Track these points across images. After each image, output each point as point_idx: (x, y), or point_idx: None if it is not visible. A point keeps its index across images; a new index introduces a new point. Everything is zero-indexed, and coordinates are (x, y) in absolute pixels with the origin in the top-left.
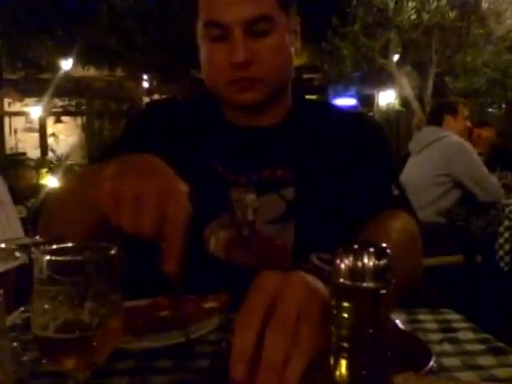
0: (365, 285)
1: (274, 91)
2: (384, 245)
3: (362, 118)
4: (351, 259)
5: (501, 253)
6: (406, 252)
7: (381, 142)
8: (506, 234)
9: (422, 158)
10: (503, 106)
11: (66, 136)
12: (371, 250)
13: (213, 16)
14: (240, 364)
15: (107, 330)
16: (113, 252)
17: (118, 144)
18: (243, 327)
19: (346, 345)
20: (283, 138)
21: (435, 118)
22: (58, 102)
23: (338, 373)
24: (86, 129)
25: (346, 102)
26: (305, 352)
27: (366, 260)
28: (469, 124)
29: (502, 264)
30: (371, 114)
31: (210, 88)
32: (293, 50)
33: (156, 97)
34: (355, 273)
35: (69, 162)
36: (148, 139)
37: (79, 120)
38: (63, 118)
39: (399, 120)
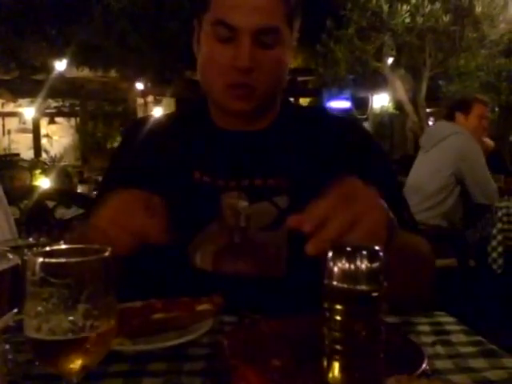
0: (358, 287)
1: (266, 100)
2: (376, 248)
3: (353, 126)
4: (344, 262)
5: (494, 255)
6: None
7: (376, 151)
8: (499, 237)
9: (430, 160)
10: (496, 109)
11: (59, 137)
12: (364, 252)
13: (225, 17)
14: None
15: (101, 333)
16: (106, 254)
17: (115, 167)
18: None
19: (339, 347)
20: (273, 143)
21: (448, 115)
22: (52, 103)
23: (331, 375)
24: (80, 130)
25: (340, 104)
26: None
27: (358, 263)
28: (485, 123)
29: (494, 266)
30: (365, 116)
31: (205, 87)
32: (289, 64)
33: (150, 98)
34: (348, 275)
35: (62, 163)
36: (137, 159)
37: (73, 121)
38: (57, 119)
39: (393, 123)
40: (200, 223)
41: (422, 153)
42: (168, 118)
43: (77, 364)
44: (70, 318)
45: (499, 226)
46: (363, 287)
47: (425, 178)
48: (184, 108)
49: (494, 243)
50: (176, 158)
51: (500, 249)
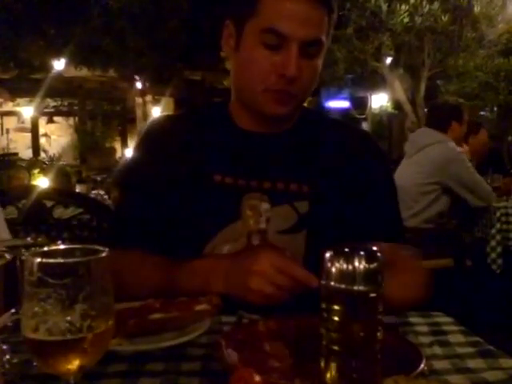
0: (355, 288)
1: (299, 106)
2: (375, 248)
3: (370, 143)
4: (342, 262)
5: (493, 255)
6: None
7: (387, 169)
8: (498, 237)
9: (413, 164)
10: (495, 109)
11: (58, 136)
12: (362, 253)
13: (276, 25)
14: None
15: (98, 333)
16: (103, 254)
17: (137, 169)
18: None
19: (336, 348)
20: (295, 145)
21: (440, 123)
22: (51, 103)
23: (328, 375)
24: (79, 129)
25: (338, 104)
26: None
27: (356, 263)
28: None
29: (494, 267)
30: (364, 116)
31: (240, 89)
32: None
33: (149, 98)
34: (346, 276)
35: (61, 163)
36: (157, 163)
37: (71, 120)
38: (55, 119)
39: (392, 123)
40: (220, 224)
41: (405, 159)
42: (186, 120)
43: (74, 364)
44: (68, 318)
45: (498, 226)
46: (361, 288)
47: (406, 183)
48: (203, 109)
49: (493, 243)
50: (196, 160)
51: (499, 249)
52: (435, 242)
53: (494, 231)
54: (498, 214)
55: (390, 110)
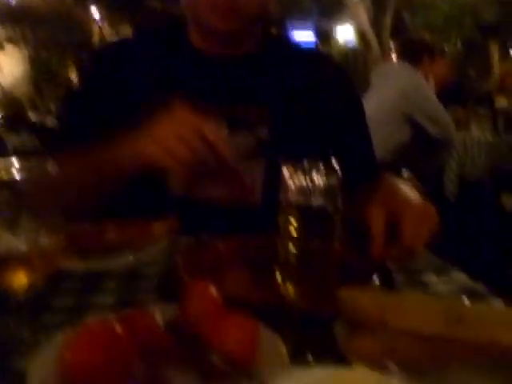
0: (312, 202)
1: (249, 23)
2: (335, 165)
3: (342, 72)
4: (300, 177)
5: (450, 186)
6: None
7: (359, 100)
8: (455, 168)
9: (377, 94)
10: (459, 42)
11: (10, 65)
12: (321, 168)
13: None
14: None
15: (46, 250)
16: (49, 169)
17: (86, 84)
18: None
19: (293, 260)
20: (256, 70)
21: (411, 57)
22: (1, 32)
23: (285, 287)
24: (32, 58)
25: (302, 36)
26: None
27: (315, 178)
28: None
29: (450, 196)
30: (329, 49)
31: (188, 7)
32: None
33: (107, 26)
34: (304, 191)
35: (14, 92)
36: (109, 78)
37: (24, 49)
38: (7, 48)
39: (357, 56)
40: None
41: (369, 90)
42: (142, 41)
43: (23, 281)
44: (15, 235)
45: (456, 157)
46: (319, 202)
47: (369, 114)
48: (157, 30)
49: (450, 175)
50: (151, 81)
51: (456, 180)
52: (394, 173)
53: (451, 162)
54: (456, 145)
55: (355, 43)
